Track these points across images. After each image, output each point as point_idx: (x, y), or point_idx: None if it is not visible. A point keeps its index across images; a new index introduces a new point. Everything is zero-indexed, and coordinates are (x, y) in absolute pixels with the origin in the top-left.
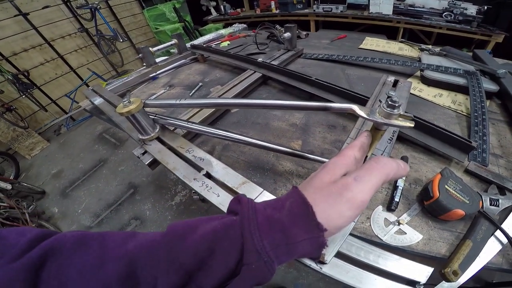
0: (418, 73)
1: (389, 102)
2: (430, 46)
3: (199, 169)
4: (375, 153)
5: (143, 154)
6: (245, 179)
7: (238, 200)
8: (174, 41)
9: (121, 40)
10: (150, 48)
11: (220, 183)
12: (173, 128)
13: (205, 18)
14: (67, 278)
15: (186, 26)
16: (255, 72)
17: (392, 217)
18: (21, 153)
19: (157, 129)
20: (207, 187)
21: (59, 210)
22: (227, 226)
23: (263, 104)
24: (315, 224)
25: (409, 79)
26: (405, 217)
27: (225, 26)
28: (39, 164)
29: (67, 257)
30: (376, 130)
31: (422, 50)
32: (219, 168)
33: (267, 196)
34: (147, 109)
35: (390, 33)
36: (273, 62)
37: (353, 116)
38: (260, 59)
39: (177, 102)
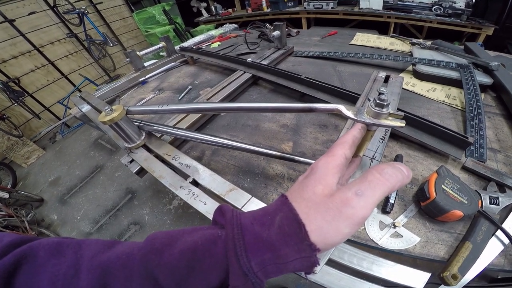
0: (410, 68)
1: (377, 101)
2: (421, 40)
3: (185, 176)
4: (366, 154)
5: (131, 162)
6: (232, 186)
7: (222, 212)
8: (162, 44)
9: (112, 45)
10: (138, 52)
11: (207, 191)
12: (160, 134)
13: (196, 20)
14: (38, 286)
15: (177, 28)
16: (244, 72)
17: (387, 219)
18: (17, 162)
19: (143, 137)
20: (193, 195)
21: (58, 217)
22: (210, 243)
23: (247, 108)
24: (307, 244)
25: (401, 74)
26: (401, 219)
27: (216, 27)
28: (36, 172)
29: (41, 264)
30: (366, 130)
31: (413, 44)
32: (205, 175)
33: (255, 203)
34: (132, 116)
35: (381, 28)
36: (263, 62)
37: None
38: (249, 59)
39: (161, 108)
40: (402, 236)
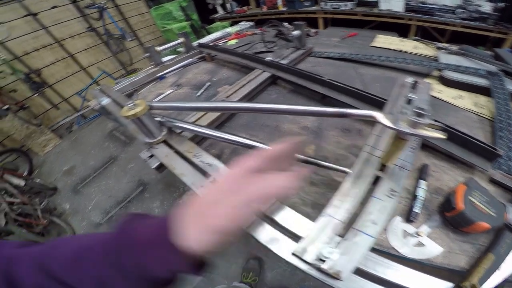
0: (435, 73)
1: (416, 110)
2: (447, 45)
3: (207, 175)
4: (396, 163)
5: (150, 157)
6: None
7: (121, 220)
8: (181, 39)
9: (129, 39)
10: (156, 48)
11: None
12: (180, 131)
13: (211, 16)
14: None
15: (193, 24)
16: (263, 71)
17: (410, 228)
18: (35, 150)
19: (164, 132)
20: None
21: (70, 206)
22: (103, 243)
23: (274, 110)
24: (170, 245)
25: (426, 80)
26: (424, 229)
27: (232, 24)
28: (52, 160)
29: None
30: (399, 139)
31: (439, 48)
32: None
33: (286, 211)
34: (153, 111)
35: (401, 31)
36: (282, 61)
37: (370, 121)
38: (268, 58)
39: (184, 105)
40: (425, 245)
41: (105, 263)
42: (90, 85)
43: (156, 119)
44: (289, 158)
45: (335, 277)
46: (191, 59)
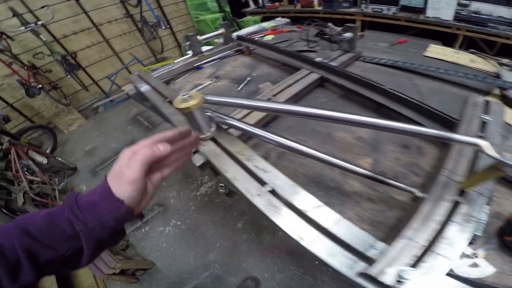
0: (496, 91)
1: None
2: (510, 61)
3: (261, 182)
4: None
5: (194, 153)
6: (319, 202)
7: (66, 195)
8: (222, 30)
9: (164, 28)
10: (198, 36)
11: (287, 204)
12: (227, 127)
13: (243, 10)
14: None
15: (226, 16)
16: (311, 72)
17: (469, 249)
18: (60, 128)
19: (213, 128)
20: (273, 207)
21: (87, 188)
22: (61, 210)
23: (347, 120)
24: (115, 199)
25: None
26: (482, 251)
27: (262, 20)
28: (75, 139)
29: None
30: (495, 169)
31: (501, 65)
32: (286, 185)
33: (347, 226)
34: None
35: (445, 40)
36: (331, 63)
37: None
38: (318, 59)
39: (241, 102)
40: (480, 266)
41: (71, 222)
42: (121, 69)
43: (206, 113)
44: (183, 141)
45: None
46: (228, 51)
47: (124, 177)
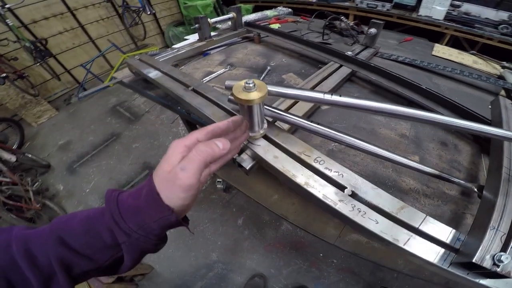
0: (502, 92)
1: None
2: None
3: (340, 187)
4: None
5: (239, 154)
6: (403, 203)
7: (106, 193)
8: (232, 14)
9: (149, 12)
10: (209, 19)
11: (373, 207)
12: (272, 120)
13: None
14: None
15: (217, 3)
16: (341, 66)
17: None
18: (28, 120)
19: (265, 124)
20: (359, 211)
21: (65, 188)
22: (99, 214)
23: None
24: (164, 207)
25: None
26: None
27: (254, 8)
28: (46, 133)
29: None
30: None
31: (504, 68)
32: (367, 188)
33: (431, 222)
34: None
35: (432, 38)
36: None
37: (463, 136)
38: (349, 53)
39: (307, 94)
40: None
41: (112, 231)
42: (97, 57)
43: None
44: (234, 133)
45: (507, 276)
46: (236, 38)
47: (177, 181)
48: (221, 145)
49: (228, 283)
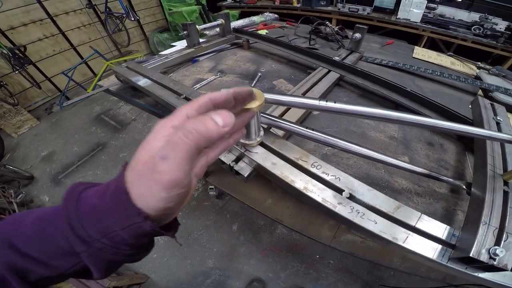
0: (480, 92)
1: None
2: (487, 66)
3: (337, 190)
4: None
5: (236, 162)
6: (398, 203)
7: (69, 188)
8: (220, 21)
9: (133, 19)
10: (197, 26)
11: (370, 208)
12: (267, 126)
13: (219, 4)
14: None
15: (203, 9)
16: (330, 71)
17: None
18: (7, 131)
19: (262, 132)
20: (358, 213)
21: (50, 199)
22: (54, 215)
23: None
24: (134, 210)
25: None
26: None
27: (241, 14)
28: (27, 144)
29: None
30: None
31: (479, 68)
32: (363, 190)
33: (426, 220)
34: None
35: (410, 40)
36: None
37: (447, 135)
38: (336, 58)
39: (302, 101)
40: None
41: (70, 238)
42: (79, 64)
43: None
44: (235, 107)
45: (504, 269)
46: (225, 44)
47: (156, 175)
48: (221, 121)
49: None
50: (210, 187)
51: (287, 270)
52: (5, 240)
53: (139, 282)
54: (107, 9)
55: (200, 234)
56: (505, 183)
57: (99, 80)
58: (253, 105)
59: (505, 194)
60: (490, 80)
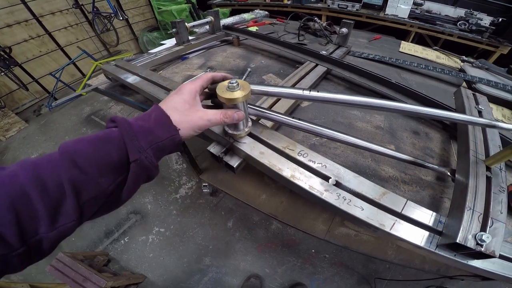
0: (464, 84)
1: None
2: (471, 59)
3: (324, 177)
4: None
5: (225, 153)
6: (384, 189)
7: (113, 120)
8: (210, 18)
9: (121, 18)
10: (186, 24)
11: (356, 194)
12: (256, 118)
13: (209, 2)
14: None
15: (193, 8)
16: (317, 65)
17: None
18: None
19: (250, 123)
20: (345, 199)
21: None
22: (109, 134)
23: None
24: (172, 127)
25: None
26: None
27: (231, 12)
28: (16, 147)
29: None
30: None
31: (463, 61)
32: (350, 177)
33: (412, 207)
34: None
35: (399, 35)
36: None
37: (433, 125)
38: (324, 52)
39: (290, 91)
40: None
41: (122, 151)
42: (67, 65)
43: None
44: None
45: (492, 255)
46: (215, 42)
47: (196, 120)
48: (236, 116)
49: (224, 287)
50: (204, 184)
51: (283, 265)
52: (71, 159)
53: (136, 282)
54: (95, 9)
55: (196, 232)
56: (488, 168)
57: (88, 79)
58: (239, 95)
59: (488, 179)
60: (474, 72)
